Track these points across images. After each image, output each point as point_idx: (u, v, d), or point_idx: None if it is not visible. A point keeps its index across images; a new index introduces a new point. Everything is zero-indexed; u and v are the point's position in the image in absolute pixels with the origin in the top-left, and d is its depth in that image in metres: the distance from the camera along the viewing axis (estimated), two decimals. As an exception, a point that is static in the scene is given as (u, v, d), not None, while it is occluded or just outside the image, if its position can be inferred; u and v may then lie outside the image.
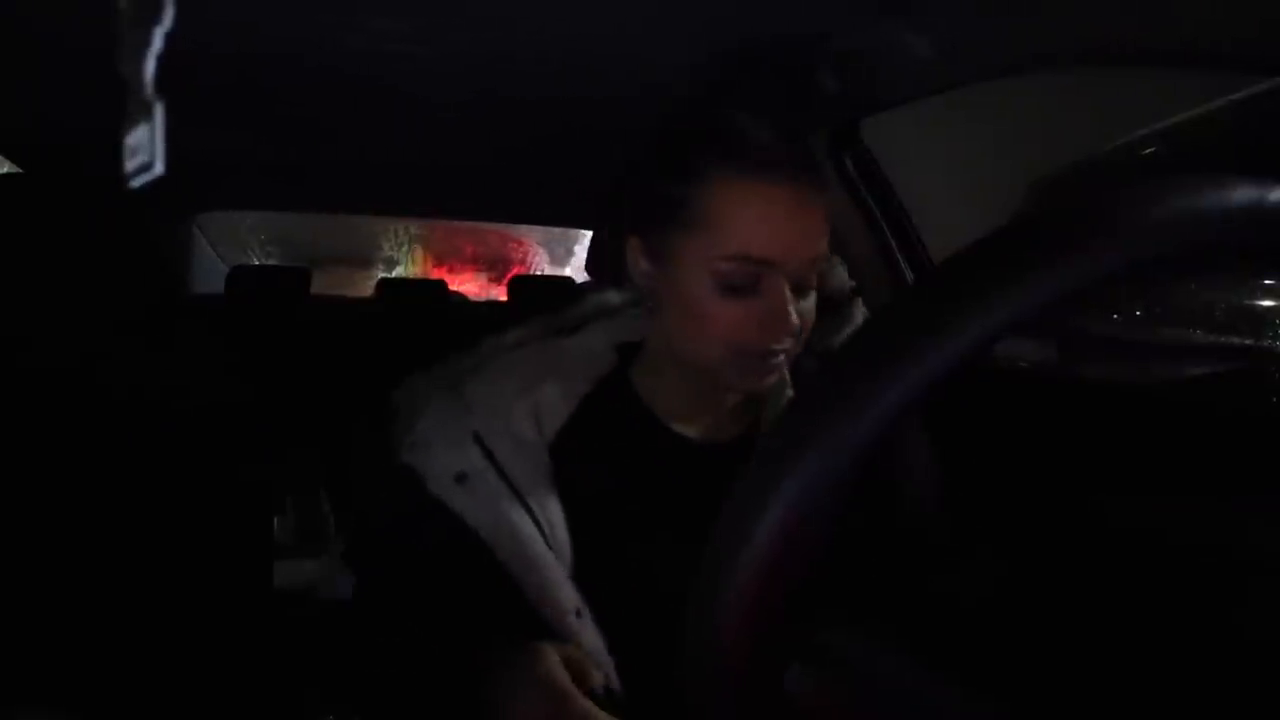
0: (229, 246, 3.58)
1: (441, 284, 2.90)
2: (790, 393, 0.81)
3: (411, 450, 0.76)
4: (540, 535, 0.72)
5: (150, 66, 0.31)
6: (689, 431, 0.80)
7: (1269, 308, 1.01)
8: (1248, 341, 1.00)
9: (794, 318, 0.68)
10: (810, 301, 0.72)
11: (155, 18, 0.31)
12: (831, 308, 0.90)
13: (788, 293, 0.68)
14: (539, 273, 6.75)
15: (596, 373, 0.81)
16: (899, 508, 0.78)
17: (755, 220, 0.67)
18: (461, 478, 0.73)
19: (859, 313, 0.91)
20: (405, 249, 7.17)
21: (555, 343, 0.84)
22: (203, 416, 0.99)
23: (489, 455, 0.74)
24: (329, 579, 0.87)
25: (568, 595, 0.71)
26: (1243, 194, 0.30)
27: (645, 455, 0.78)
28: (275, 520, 1.33)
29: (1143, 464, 0.90)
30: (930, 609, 0.69)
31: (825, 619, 0.32)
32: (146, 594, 0.91)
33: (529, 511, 0.73)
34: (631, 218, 0.76)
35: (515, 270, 6.90)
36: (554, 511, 0.74)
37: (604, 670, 0.68)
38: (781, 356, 0.71)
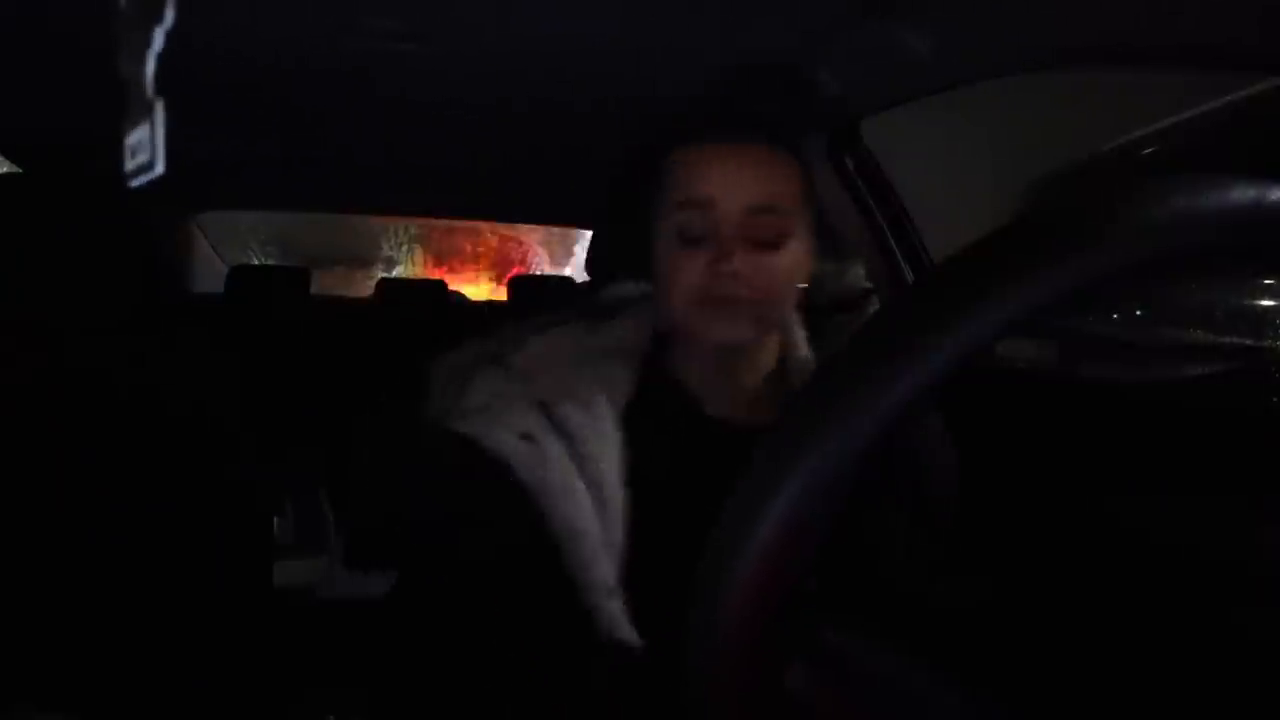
0: (229, 246, 3.58)
1: (441, 284, 2.90)
2: None
3: (467, 418, 0.75)
4: (593, 507, 0.72)
5: (150, 67, 0.31)
6: (725, 414, 0.80)
7: (1269, 308, 1.01)
8: (1248, 341, 1.00)
9: (734, 260, 0.72)
10: (779, 260, 0.75)
11: (155, 18, 0.31)
12: (846, 308, 0.90)
13: (733, 241, 0.73)
14: (539, 272, 6.75)
15: (640, 357, 0.82)
16: (909, 507, 0.78)
17: (696, 167, 0.77)
18: (527, 436, 0.73)
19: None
20: (405, 249, 7.17)
21: (598, 325, 0.84)
22: (202, 416, 0.99)
23: (554, 421, 0.74)
24: (329, 579, 0.87)
25: (604, 573, 0.70)
26: (1243, 194, 0.29)
27: (687, 439, 0.79)
28: (275, 520, 1.33)
29: (1142, 464, 0.90)
30: (931, 609, 0.69)
31: (826, 619, 0.32)
32: (147, 593, 0.91)
33: (589, 481, 0.72)
34: (645, 212, 0.82)
35: (515, 270, 6.91)
36: (613, 485, 0.73)
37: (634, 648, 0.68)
38: (747, 306, 0.74)
